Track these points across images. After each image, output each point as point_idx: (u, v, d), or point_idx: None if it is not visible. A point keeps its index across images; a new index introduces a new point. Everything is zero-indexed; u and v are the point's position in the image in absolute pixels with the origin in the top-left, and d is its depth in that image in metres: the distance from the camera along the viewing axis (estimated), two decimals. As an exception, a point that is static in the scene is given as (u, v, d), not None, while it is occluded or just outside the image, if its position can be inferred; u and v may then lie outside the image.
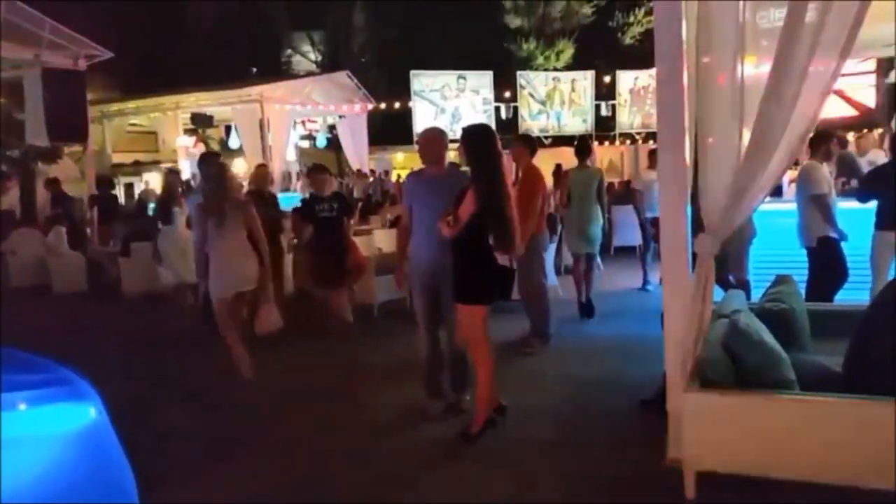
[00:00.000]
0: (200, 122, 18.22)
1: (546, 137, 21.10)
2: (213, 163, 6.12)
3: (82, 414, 2.38)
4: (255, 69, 23.91)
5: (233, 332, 5.32)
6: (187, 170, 18.41)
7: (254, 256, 5.30)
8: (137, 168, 20.84)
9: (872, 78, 17.20)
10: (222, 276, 5.25)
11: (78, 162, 14.24)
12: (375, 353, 6.28)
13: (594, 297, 7.35)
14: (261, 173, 7.95)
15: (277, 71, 25.94)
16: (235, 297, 5.30)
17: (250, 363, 5.35)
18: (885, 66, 13.90)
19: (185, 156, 18.81)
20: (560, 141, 21.42)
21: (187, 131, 18.87)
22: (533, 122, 21.35)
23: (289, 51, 28.69)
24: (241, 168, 19.93)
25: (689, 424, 3.25)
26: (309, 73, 24.22)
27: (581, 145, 7.63)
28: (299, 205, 7.12)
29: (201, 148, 19.58)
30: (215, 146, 22.59)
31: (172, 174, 9.48)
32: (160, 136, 20.45)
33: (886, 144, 8.46)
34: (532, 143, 6.42)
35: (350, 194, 13.92)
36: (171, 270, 8.38)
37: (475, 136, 4.26)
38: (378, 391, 5.29)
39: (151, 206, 14.40)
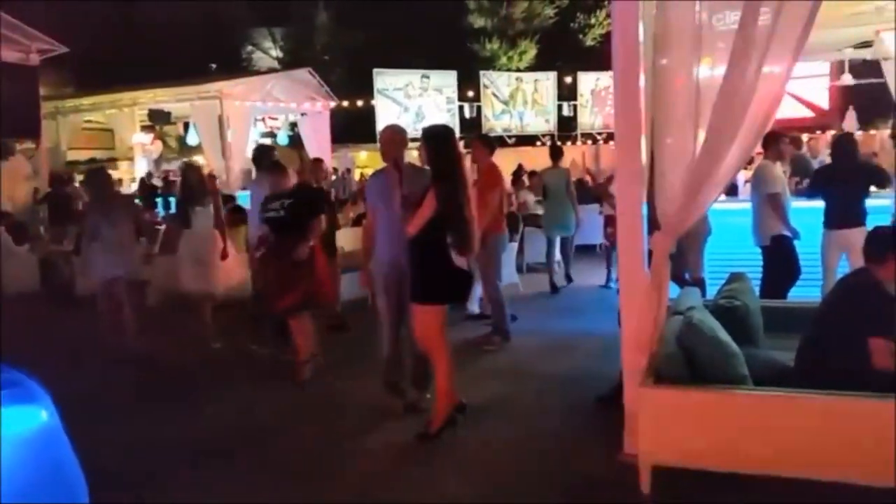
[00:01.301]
0: (158, 119, 17.84)
1: (509, 137, 21.20)
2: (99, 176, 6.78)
3: (33, 416, 2.35)
4: (214, 65, 23.53)
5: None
6: (144, 168, 18.09)
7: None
8: (93, 165, 20.35)
9: (826, 80, 17.66)
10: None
11: (31, 159, 13.85)
12: (337, 351, 6.24)
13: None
14: (315, 167, 8.04)
15: (238, 67, 25.59)
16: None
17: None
18: (837, 69, 14.26)
19: (142, 153, 18.45)
20: (523, 140, 21.56)
21: (144, 128, 18.49)
22: (496, 121, 21.41)
23: (250, 47, 28.34)
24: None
25: (644, 420, 3.30)
26: (270, 70, 23.94)
27: (554, 149, 9.21)
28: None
29: (159, 145, 19.24)
30: (173, 143, 22.26)
31: (190, 168, 7.90)
32: (117, 133, 19.97)
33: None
34: (491, 143, 6.46)
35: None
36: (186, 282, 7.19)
37: (436, 137, 4.25)
38: (338, 390, 5.26)
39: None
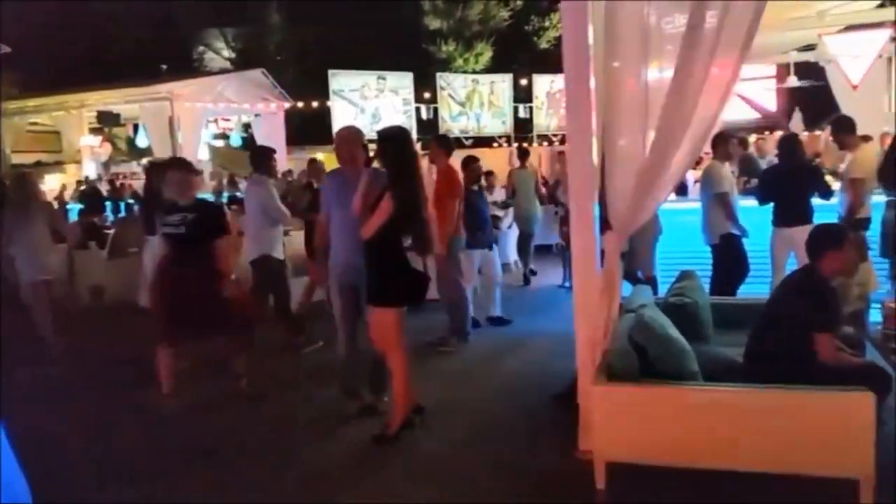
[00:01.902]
0: (107, 121, 17.46)
1: (467, 138, 21.25)
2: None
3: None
4: (164, 66, 23.05)
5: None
6: (92, 171, 17.64)
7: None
8: (39, 169, 19.79)
9: (773, 83, 18.12)
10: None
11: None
12: (293, 354, 6.17)
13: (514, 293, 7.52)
14: (317, 167, 7.93)
15: (189, 68, 25.14)
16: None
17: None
18: (783, 71, 14.65)
19: (91, 156, 18.01)
20: (480, 142, 21.63)
21: (93, 130, 18.07)
22: (453, 123, 21.44)
23: (201, 48, 27.86)
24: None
25: (598, 416, 3.34)
26: (222, 71, 23.57)
27: (521, 150, 10.18)
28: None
29: (108, 148, 18.80)
30: (123, 145, 21.77)
31: (156, 169, 7.27)
32: (64, 135, 19.48)
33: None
34: (449, 144, 6.44)
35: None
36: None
37: (390, 139, 4.22)
38: (295, 392, 5.21)
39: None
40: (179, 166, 5.16)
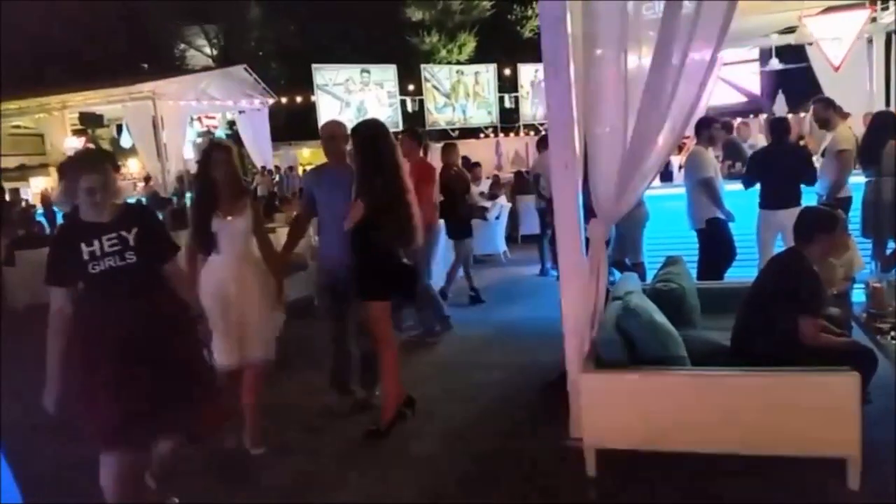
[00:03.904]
0: (90, 122, 17.29)
1: (453, 130, 21.23)
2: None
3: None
4: (146, 65, 22.87)
5: None
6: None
7: None
8: (23, 172, 19.62)
9: (756, 66, 18.16)
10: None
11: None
12: (281, 352, 6.14)
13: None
14: (453, 150, 7.87)
15: (171, 66, 24.95)
16: None
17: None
18: (767, 54, 14.68)
19: (75, 157, 17.86)
20: (467, 133, 21.61)
21: (76, 132, 17.90)
22: (439, 114, 21.42)
23: (183, 45, 27.65)
24: (134, 169, 19.12)
25: (587, 404, 3.35)
26: (205, 68, 23.42)
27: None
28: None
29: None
30: (107, 146, 21.56)
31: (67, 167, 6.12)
32: (47, 137, 19.30)
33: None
34: (420, 138, 6.43)
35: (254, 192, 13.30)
36: None
37: (364, 132, 4.19)
38: (285, 390, 5.20)
39: (39, 212, 13.67)
40: (88, 162, 3.07)
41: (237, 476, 3.87)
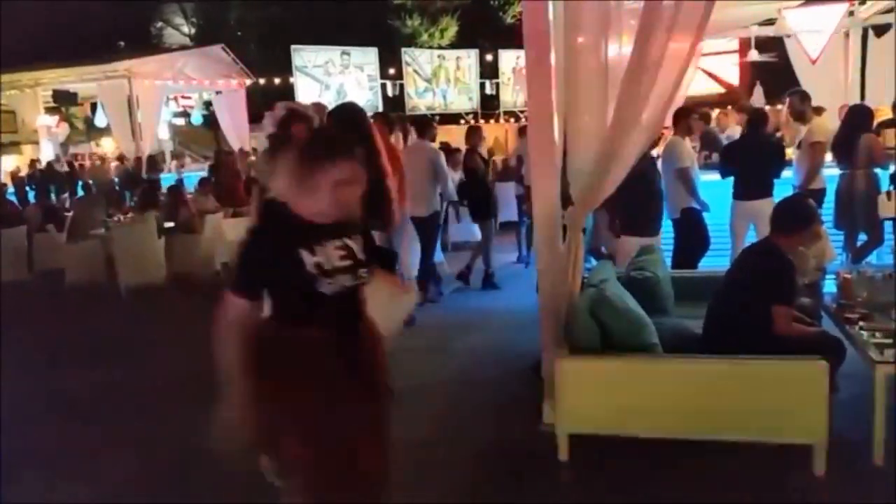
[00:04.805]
0: (63, 100, 17.02)
1: (433, 115, 21.14)
2: None
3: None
4: (122, 43, 22.47)
5: None
6: (50, 152, 17.19)
7: None
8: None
9: (736, 57, 18.27)
10: None
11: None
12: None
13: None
14: (476, 133, 7.92)
15: (147, 45, 24.54)
16: None
17: None
18: (746, 46, 14.76)
19: (48, 136, 17.54)
20: (447, 119, 21.52)
21: (49, 110, 17.59)
22: (420, 99, 21.30)
23: (160, 24, 27.20)
24: (109, 148, 18.84)
25: (561, 390, 3.38)
26: (182, 47, 23.06)
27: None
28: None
29: (65, 128, 18.33)
30: (80, 125, 21.24)
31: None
32: (19, 115, 18.92)
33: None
34: (389, 122, 6.40)
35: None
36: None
37: (343, 116, 4.17)
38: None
39: (11, 191, 13.42)
40: (349, 145, 2.23)
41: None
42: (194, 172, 14.46)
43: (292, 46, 19.34)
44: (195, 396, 4.78)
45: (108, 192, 11.68)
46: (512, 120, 22.36)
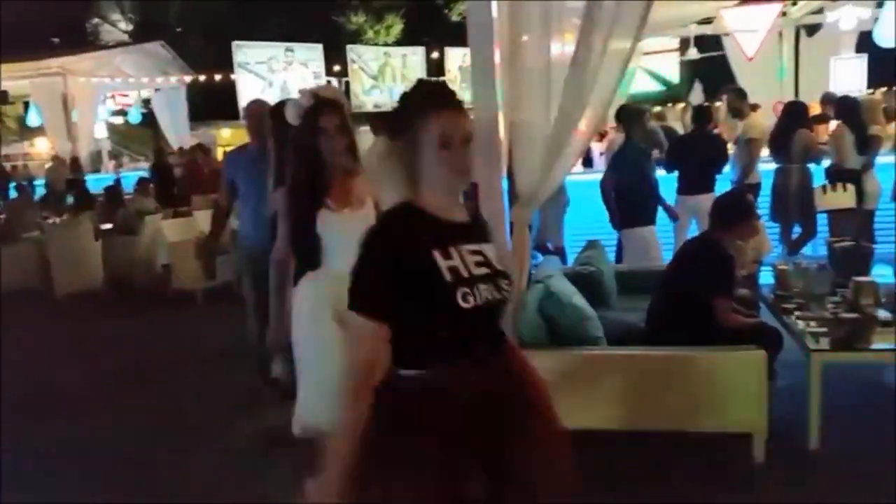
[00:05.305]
0: (-6, 98, 16.35)
1: (380, 113, 21.04)
2: None
3: None
4: (56, 39, 21.72)
5: None
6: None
7: None
8: None
9: (676, 55, 18.68)
10: None
11: None
12: (202, 341, 6.00)
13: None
14: None
15: (83, 42, 23.78)
16: None
17: None
18: (686, 44, 15.10)
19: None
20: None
21: (-22, 108, 16.90)
22: (367, 97, 21.15)
23: (96, 20, 26.39)
24: (43, 148, 18.18)
25: (509, 386, 3.39)
26: (119, 44, 22.42)
27: None
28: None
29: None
30: (13, 124, 20.46)
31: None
32: (-55, 113, 18.18)
33: (688, 117, 9.22)
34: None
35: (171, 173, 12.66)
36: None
37: (283, 113, 4.08)
38: (208, 379, 5.07)
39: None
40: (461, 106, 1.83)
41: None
42: (133, 172, 14.11)
43: (234, 42, 18.98)
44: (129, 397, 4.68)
45: (60, 193, 11.25)
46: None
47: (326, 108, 2.85)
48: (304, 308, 2.81)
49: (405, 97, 1.75)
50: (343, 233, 2.67)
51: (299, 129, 2.90)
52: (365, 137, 7.53)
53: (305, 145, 2.84)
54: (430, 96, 1.74)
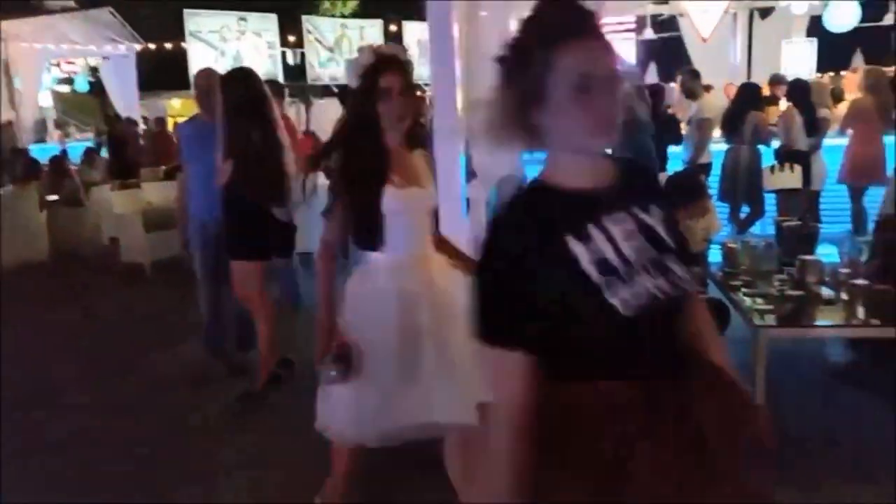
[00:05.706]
0: (-72, 63, 15.59)
1: (336, 86, 20.72)
2: None
3: None
4: (-4, 2, 20.79)
5: None
6: None
7: None
8: None
9: (633, 35, 18.79)
10: None
11: None
12: (151, 315, 5.89)
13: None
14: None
15: (26, 6, 22.80)
16: None
17: None
18: (641, 24, 15.21)
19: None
20: (349, 90, 21.12)
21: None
22: (322, 69, 20.76)
23: (40, -17, 25.33)
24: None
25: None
26: (65, 10, 21.56)
27: None
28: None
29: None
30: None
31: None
32: None
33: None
34: (280, 89, 6.20)
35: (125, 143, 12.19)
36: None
37: (229, 79, 4.00)
38: (156, 352, 4.99)
39: None
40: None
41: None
42: (79, 143, 13.67)
43: (185, 10, 18.44)
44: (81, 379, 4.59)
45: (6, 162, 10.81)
46: (418, 92, 22.26)
47: (388, 65, 2.43)
48: (373, 296, 2.46)
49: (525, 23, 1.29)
50: (410, 213, 2.46)
51: (357, 91, 2.49)
52: (325, 108, 7.41)
53: (364, 112, 2.44)
54: (562, 20, 1.24)
